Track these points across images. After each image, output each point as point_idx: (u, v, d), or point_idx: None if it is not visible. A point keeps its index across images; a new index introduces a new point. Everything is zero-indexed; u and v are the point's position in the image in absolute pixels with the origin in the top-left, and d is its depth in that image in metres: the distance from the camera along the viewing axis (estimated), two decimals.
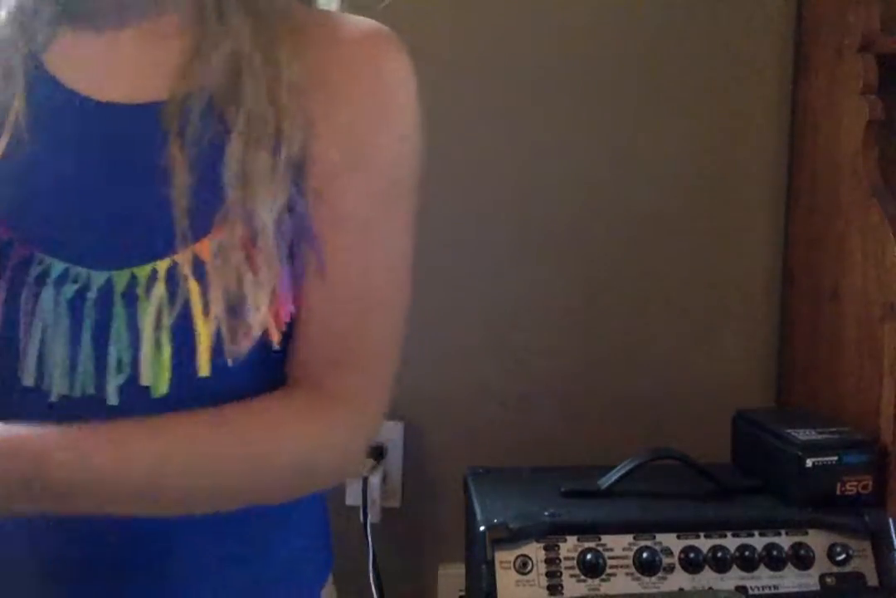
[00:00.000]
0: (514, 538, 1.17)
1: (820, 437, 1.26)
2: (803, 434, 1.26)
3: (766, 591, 1.19)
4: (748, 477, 1.34)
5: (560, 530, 1.19)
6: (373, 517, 1.52)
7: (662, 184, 1.54)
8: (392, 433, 1.54)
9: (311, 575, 0.87)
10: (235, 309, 0.69)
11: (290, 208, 0.71)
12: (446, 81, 1.51)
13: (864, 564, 1.20)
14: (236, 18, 0.72)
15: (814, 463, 1.23)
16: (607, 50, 1.52)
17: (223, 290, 0.68)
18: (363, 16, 0.78)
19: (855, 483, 1.23)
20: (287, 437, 0.72)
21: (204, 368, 0.69)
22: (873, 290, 1.31)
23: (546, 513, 1.21)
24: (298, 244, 0.72)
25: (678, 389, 1.55)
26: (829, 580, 1.20)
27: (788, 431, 1.28)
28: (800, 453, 1.24)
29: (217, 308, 0.68)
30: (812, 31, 1.49)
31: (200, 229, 0.69)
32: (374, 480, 1.52)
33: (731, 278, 1.57)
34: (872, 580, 1.20)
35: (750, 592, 1.18)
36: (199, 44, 0.72)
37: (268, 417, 0.72)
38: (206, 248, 0.69)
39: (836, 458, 1.23)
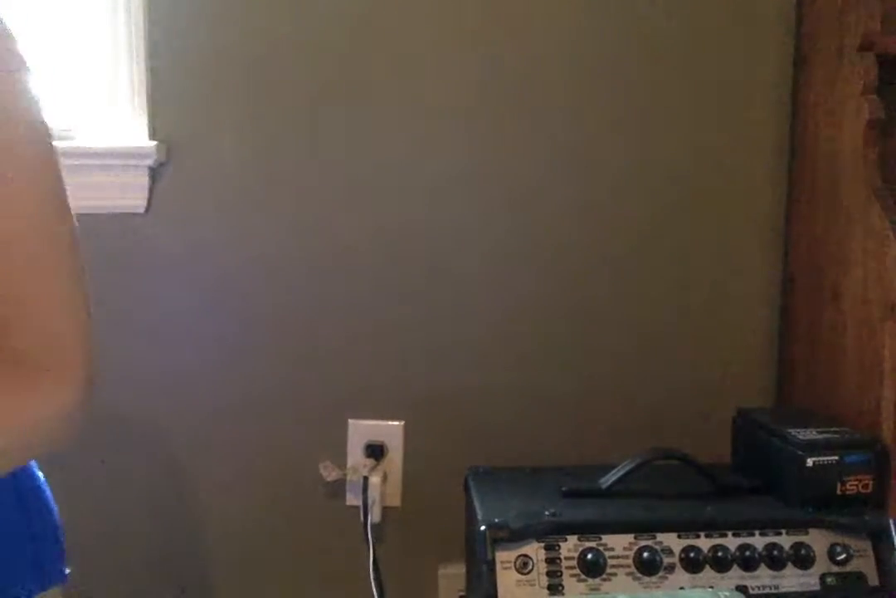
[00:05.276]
0: (514, 537, 1.18)
1: (820, 437, 1.26)
2: (804, 434, 1.26)
3: (767, 591, 1.19)
4: (749, 477, 1.34)
5: (561, 529, 1.19)
6: (373, 516, 1.52)
7: (663, 183, 1.54)
8: (392, 433, 1.54)
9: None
10: None
11: None
12: (451, 83, 1.51)
13: (864, 564, 1.20)
14: None
15: (814, 463, 1.23)
16: (606, 52, 1.52)
17: None
18: None
19: (855, 483, 1.23)
20: None
21: None
22: (874, 290, 1.31)
23: (547, 513, 1.21)
24: None
25: (678, 388, 1.55)
26: (829, 579, 1.20)
27: (789, 430, 1.28)
28: (800, 453, 1.24)
29: None
30: (812, 31, 1.49)
31: None
32: (375, 479, 1.52)
33: (732, 278, 1.56)
34: (873, 579, 1.20)
35: (751, 591, 1.18)
36: None
37: None
38: None
39: (836, 458, 1.23)
